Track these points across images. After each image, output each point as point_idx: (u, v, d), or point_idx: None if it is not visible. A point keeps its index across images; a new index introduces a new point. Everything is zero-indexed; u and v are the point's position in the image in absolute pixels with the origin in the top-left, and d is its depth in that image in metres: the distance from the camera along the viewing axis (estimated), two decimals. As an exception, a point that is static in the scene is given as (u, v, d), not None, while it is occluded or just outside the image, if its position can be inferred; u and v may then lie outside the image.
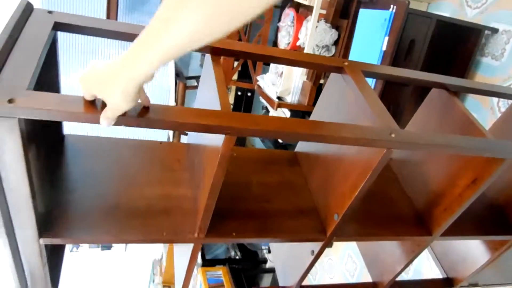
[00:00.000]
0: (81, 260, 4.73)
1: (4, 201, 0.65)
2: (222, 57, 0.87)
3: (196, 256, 0.88)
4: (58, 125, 0.94)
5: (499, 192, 1.25)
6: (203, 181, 0.79)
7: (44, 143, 0.80)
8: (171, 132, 3.56)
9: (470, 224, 1.15)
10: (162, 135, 3.63)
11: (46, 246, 0.77)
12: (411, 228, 1.05)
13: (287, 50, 0.86)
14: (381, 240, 1.03)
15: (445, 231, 1.06)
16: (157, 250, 4.86)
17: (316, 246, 0.97)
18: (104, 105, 0.56)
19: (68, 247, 4.68)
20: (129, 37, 0.76)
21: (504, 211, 1.23)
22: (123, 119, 0.57)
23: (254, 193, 0.99)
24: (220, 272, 3.34)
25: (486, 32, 1.87)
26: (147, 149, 1.01)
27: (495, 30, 1.87)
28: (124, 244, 5.04)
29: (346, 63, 0.93)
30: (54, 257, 0.94)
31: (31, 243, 0.73)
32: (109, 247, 4.89)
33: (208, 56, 0.84)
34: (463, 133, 0.97)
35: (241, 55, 0.85)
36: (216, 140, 0.69)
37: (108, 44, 3.56)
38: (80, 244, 4.79)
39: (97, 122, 0.56)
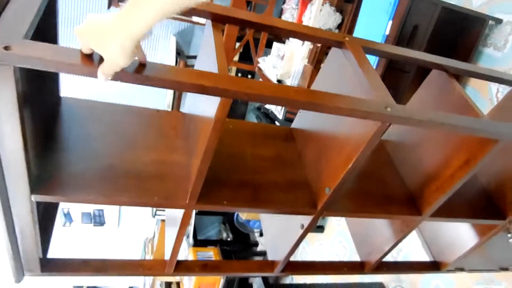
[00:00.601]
0: (73, 235, 4.75)
1: (-3, 153, 0.65)
2: (224, 36, 0.86)
3: (186, 223, 0.88)
4: (55, 86, 0.93)
5: (492, 179, 1.26)
6: (197, 147, 0.79)
7: (40, 103, 0.80)
8: (170, 102, 3.56)
9: (460, 207, 1.16)
10: (162, 104, 3.63)
11: (38, 203, 0.77)
12: (402, 207, 1.06)
13: (290, 21, 0.85)
14: (371, 217, 1.04)
15: (435, 212, 1.07)
16: (150, 228, 4.89)
17: (306, 219, 0.98)
18: (101, 60, 0.56)
19: (60, 221, 4.70)
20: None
21: (495, 197, 1.24)
22: (119, 75, 0.57)
23: (248, 165, 0.99)
24: (211, 253, 3.37)
25: (490, 22, 1.86)
26: (144, 116, 1.01)
27: (499, 21, 1.86)
28: (117, 221, 5.07)
29: (347, 38, 0.92)
30: (45, 217, 0.95)
31: (22, 199, 0.74)
32: (101, 223, 4.91)
33: (208, 23, 0.83)
34: (460, 114, 0.98)
35: (242, 23, 0.84)
36: (211, 104, 0.69)
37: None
38: (73, 219, 4.80)
39: (94, 75, 0.56)
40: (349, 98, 0.74)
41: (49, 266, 0.94)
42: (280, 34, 0.92)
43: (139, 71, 0.59)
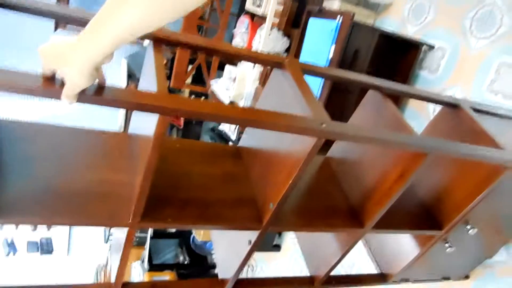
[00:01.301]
0: (18, 266, 4.45)
1: None
2: (176, 60, 0.89)
3: (130, 241, 0.87)
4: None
5: (429, 192, 1.34)
6: (139, 165, 0.80)
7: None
8: (122, 124, 3.53)
9: (401, 220, 1.22)
10: (114, 126, 3.58)
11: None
12: (345, 220, 1.11)
13: (233, 46, 0.90)
14: (316, 231, 1.08)
15: (376, 224, 1.12)
16: (102, 255, 4.68)
17: (253, 235, 0.99)
18: (63, 83, 0.57)
19: (3, 250, 4.40)
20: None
21: (432, 210, 1.32)
22: (81, 97, 0.58)
23: (195, 183, 1.00)
24: (168, 277, 3.29)
25: (424, 47, 2.02)
26: (88, 137, 1.00)
27: (431, 47, 2.02)
28: (67, 248, 4.82)
29: (286, 60, 0.97)
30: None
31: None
32: (50, 251, 4.64)
33: (150, 44, 0.85)
34: (394, 131, 1.05)
35: (183, 46, 0.87)
36: (151, 123, 0.70)
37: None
38: (17, 249, 4.51)
39: (58, 97, 0.57)
40: (286, 116, 0.78)
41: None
42: (226, 57, 0.96)
43: (98, 93, 0.60)
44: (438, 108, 1.97)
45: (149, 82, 0.77)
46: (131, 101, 0.62)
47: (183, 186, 0.98)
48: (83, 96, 0.59)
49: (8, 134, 0.92)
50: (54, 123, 0.99)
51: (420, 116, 2.06)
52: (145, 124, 0.77)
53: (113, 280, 1.01)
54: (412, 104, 2.10)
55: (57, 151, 0.92)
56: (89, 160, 0.93)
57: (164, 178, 0.97)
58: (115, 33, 0.54)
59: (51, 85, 0.57)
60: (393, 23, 2.25)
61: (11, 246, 4.47)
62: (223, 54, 0.94)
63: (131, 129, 1.02)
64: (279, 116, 0.76)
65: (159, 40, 0.84)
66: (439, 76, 1.99)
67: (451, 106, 1.22)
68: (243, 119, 0.71)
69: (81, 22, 0.77)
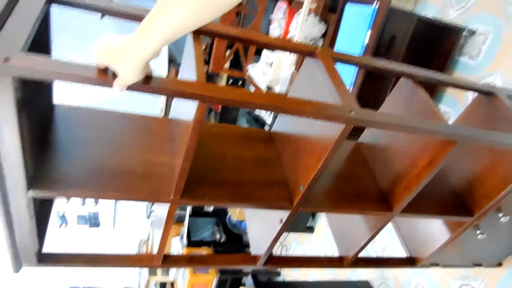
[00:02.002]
0: (69, 237, 4.81)
1: (-3, 153, 0.73)
2: (215, 45, 0.95)
3: (172, 216, 0.96)
4: (48, 95, 1.01)
5: (460, 179, 1.35)
6: (180, 147, 0.88)
7: (35, 109, 0.88)
8: (163, 109, 3.69)
9: (431, 205, 1.25)
10: (155, 111, 3.75)
11: (34, 199, 0.85)
12: (374, 204, 1.15)
13: (266, 35, 0.94)
14: (345, 213, 1.13)
15: (405, 209, 1.15)
16: (144, 229, 4.95)
17: (284, 214, 1.06)
18: (115, 74, 0.65)
19: (56, 222, 4.75)
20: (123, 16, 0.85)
21: (463, 196, 1.33)
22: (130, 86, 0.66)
23: (230, 165, 1.07)
24: (205, 253, 3.44)
25: (465, 32, 1.96)
26: (132, 121, 1.09)
27: (473, 32, 1.96)
28: (112, 222, 5.13)
29: (318, 49, 1.01)
30: (41, 213, 1.02)
31: (20, 195, 0.81)
32: (97, 225, 4.97)
33: (190, 34, 0.91)
34: (424, 118, 1.06)
35: (219, 36, 0.93)
36: (190, 109, 0.77)
37: (101, 27, 3.61)
38: (68, 221, 4.86)
39: (110, 87, 0.65)
40: (316, 103, 0.82)
41: (45, 258, 1.02)
42: (260, 46, 1.01)
43: (146, 82, 0.68)
44: (475, 95, 1.93)
45: (189, 71, 0.84)
46: (173, 89, 0.69)
47: (219, 167, 1.05)
48: (132, 85, 0.66)
49: (63, 118, 1.02)
50: (104, 108, 1.09)
51: (458, 104, 2.02)
52: (185, 109, 0.84)
53: (155, 252, 1.11)
54: (450, 91, 2.06)
55: (106, 133, 1.01)
56: (134, 142, 1.02)
57: (202, 160, 1.04)
58: (163, 32, 0.60)
59: (105, 76, 0.65)
60: (433, 8, 2.20)
61: (63, 219, 4.82)
62: (257, 44, 0.99)
63: (172, 114, 1.10)
64: (309, 104, 0.81)
65: (197, 31, 0.90)
66: (480, 62, 1.94)
67: (486, 94, 1.22)
68: (274, 106, 0.77)
69: (128, 16, 0.85)
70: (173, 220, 0.98)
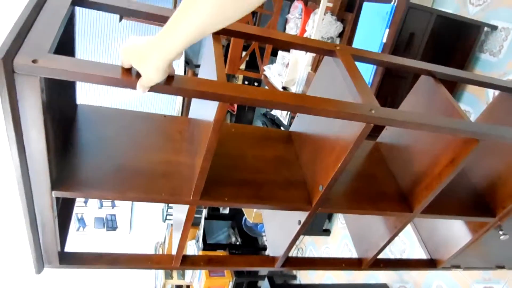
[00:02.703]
0: (87, 240, 4.87)
1: (23, 153, 0.74)
2: (231, 47, 0.95)
3: (191, 218, 0.96)
4: (72, 95, 1.03)
5: (482, 179, 1.32)
6: (199, 147, 0.88)
7: (59, 109, 0.89)
8: (180, 109, 3.72)
9: (452, 205, 1.22)
10: (172, 111, 3.78)
11: (57, 199, 0.87)
12: (394, 204, 1.13)
13: (284, 33, 0.93)
14: (364, 214, 1.11)
15: (426, 209, 1.13)
16: (160, 233, 4.99)
17: (303, 215, 1.05)
18: (139, 74, 0.66)
19: (74, 226, 4.82)
20: (145, 16, 0.85)
21: (485, 196, 1.30)
22: (153, 87, 0.67)
23: (249, 165, 1.07)
24: (221, 256, 3.45)
25: (486, 29, 1.93)
26: (152, 121, 1.10)
27: (494, 27, 1.93)
28: (129, 225, 5.18)
29: (338, 47, 1.00)
30: (63, 213, 1.04)
31: (44, 195, 0.82)
32: (114, 228, 5.03)
33: (210, 35, 0.92)
34: (445, 116, 1.05)
35: (237, 35, 0.93)
36: (211, 108, 0.77)
37: (122, 29, 3.67)
38: (86, 224, 4.93)
39: (133, 87, 0.66)
40: (336, 102, 0.82)
41: (67, 259, 1.03)
42: (277, 45, 1.01)
43: (168, 83, 0.68)
44: (497, 92, 1.89)
45: (209, 71, 0.84)
46: (195, 89, 0.69)
47: (238, 168, 1.05)
48: (155, 86, 0.67)
49: (85, 117, 1.04)
50: (124, 108, 1.10)
51: (479, 102, 1.98)
52: (206, 109, 0.85)
53: (174, 253, 1.12)
54: (470, 89, 2.03)
55: (126, 133, 1.03)
56: (154, 142, 1.03)
57: (221, 160, 1.04)
58: (187, 33, 0.61)
59: (129, 77, 0.65)
60: (452, 4, 2.16)
61: (81, 222, 4.90)
62: (275, 42, 0.98)
63: (192, 114, 1.11)
64: (329, 102, 0.81)
65: (218, 31, 0.90)
66: (501, 58, 1.90)
67: (509, 91, 1.19)
68: (295, 105, 0.76)
69: (144, 15, 0.86)
70: (192, 221, 0.98)
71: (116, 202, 4.91)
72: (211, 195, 0.94)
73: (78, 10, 0.87)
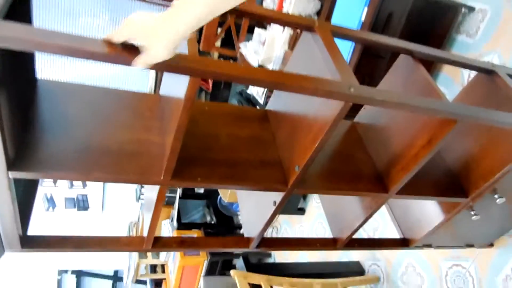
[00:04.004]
0: (57, 221, 4.75)
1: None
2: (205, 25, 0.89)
3: (162, 198, 0.92)
4: (30, 69, 0.95)
5: (457, 160, 1.33)
6: (170, 125, 0.83)
7: (15, 85, 0.82)
8: (152, 85, 3.62)
9: (426, 186, 1.23)
10: (144, 87, 3.67)
11: (17, 180, 0.80)
12: (370, 185, 1.12)
13: (261, 6, 0.89)
14: (340, 194, 1.09)
15: (401, 190, 1.13)
16: (134, 212, 4.91)
17: (278, 196, 1.02)
18: (135, 49, 0.61)
19: (43, 205, 4.68)
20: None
21: (459, 177, 1.31)
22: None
23: (223, 145, 1.03)
24: (195, 235, 3.43)
25: (463, 10, 1.92)
26: (121, 98, 1.04)
27: (471, 9, 1.92)
28: (101, 205, 5.08)
29: (316, 23, 0.96)
30: (25, 195, 0.97)
31: (0, 176, 0.76)
32: (85, 208, 4.91)
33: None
34: (424, 96, 1.03)
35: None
36: (182, 84, 0.72)
37: (91, 2, 3.49)
38: (56, 204, 4.79)
39: (128, 63, 0.61)
40: (314, 79, 0.78)
41: (30, 242, 0.97)
42: (254, 19, 0.95)
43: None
44: (473, 74, 1.90)
45: (180, 46, 0.78)
46: (164, 63, 0.64)
47: (212, 147, 1.01)
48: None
49: (47, 93, 0.96)
50: (90, 83, 1.03)
51: (453, 83, 1.99)
52: (176, 86, 0.79)
53: (145, 234, 1.08)
54: (446, 70, 2.03)
55: (92, 110, 0.96)
56: (122, 120, 0.97)
57: (194, 139, 1.00)
58: (200, 9, 0.59)
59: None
60: (431, -16, 2.14)
61: (51, 202, 4.75)
62: (252, 16, 0.93)
63: (162, 91, 1.05)
64: (307, 79, 0.77)
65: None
66: (477, 40, 1.90)
67: (486, 72, 1.18)
68: (272, 81, 0.72)
69: None
70: (163, 202, 0.94)
71: (87, 182, 4.79)
72: (183, 175, 0.90)
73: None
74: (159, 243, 1.11)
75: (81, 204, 4.89)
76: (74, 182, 4.75)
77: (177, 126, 0.75)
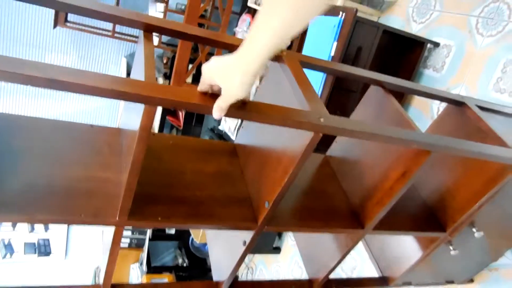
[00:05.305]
0: (15, 268, 4.40)
1: None
2: (177, 59, 0.85)
3: (117, 241, 0.83)
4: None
5: (432, 193, 1.30)
6: (127, 160, 0.76)
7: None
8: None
9: (403, 221, 1.18)
10: (114, 122, 3.54)
11: None
12: (345, 221, 1.06)
13: (233, 36, 0.85)
14: (314, 232, 1.03)
15: (377, 225, 1.07)
16: (100, 257, 4.65)
17: (248, 235, 0.95)
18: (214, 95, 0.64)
19: (0, 253, 4.35)
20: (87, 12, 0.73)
21: (436, 211, 1.27)
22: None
23: (187, 181, 0.96)
24: (166, 280, 3.24)
25: (429, 45, 1.97)
26: (76, 132, 0.96)
27: (436, 44, 1.97)
28: (64, 250, 4.77)
29: (284, 53, 0.93)
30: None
31: None
32: (47, 253, 4.58)
33: (140, 34, 0.81)
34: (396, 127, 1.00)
35: (183, 36, 0.83)
36: (137, 114, 0.66)
37: (56, 37, 3.43)
38: (14, 250, 4.46)
39: (209, 113, 0.63)
40: (283, 108, 0.73)
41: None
42: (226, 49, 0.92)
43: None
44: (442, 107, 1.92)
45: (138, 72, 0.73)
46: (114, 89, 0.58)
47: (176, 184, 0.94)
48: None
49: (-6, 127, 0.88)
50: (43, 117, 0.95)
51: (423, 117, 2.01)
52: (132, 117, 0.73)
53: (100, 282, 0.97)
54: (415, 104, 2.05)
55: (43, 146, 0.88)
56: (78, 155, 0.89)
57: (156, 175, 0.93)
58: (267, 41, 0.58)
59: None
60: (397, 21, 2.21)
61: (8, 248, 4.43)
62: (222, 45, 0.89)
63: (122, 124, 0.98)
64: (275, 109, 0.72)
65: (150, 28, 0.80)
66: (444, 74, 1.94)
67: (457, 104, 1.18)
68: (237, 112, 0.67)
69: (82, 10, 0.73)
70: (119, 245, 0.85)
71: (50, 225, 4.51)
72: (141, 214, 0.82)
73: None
74: (117, 292, 1.00)
75: (43, 249, 4.57)
76: (36, 226, 4.46)
77: (132, 160, 0.68)
